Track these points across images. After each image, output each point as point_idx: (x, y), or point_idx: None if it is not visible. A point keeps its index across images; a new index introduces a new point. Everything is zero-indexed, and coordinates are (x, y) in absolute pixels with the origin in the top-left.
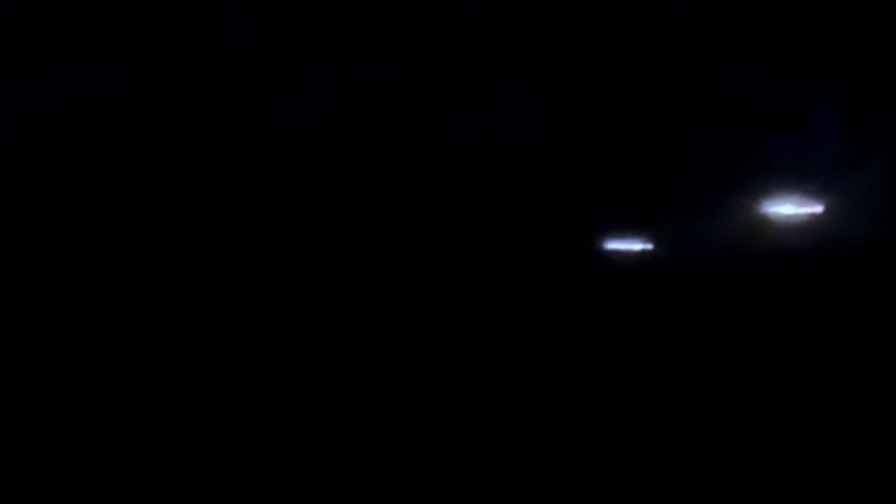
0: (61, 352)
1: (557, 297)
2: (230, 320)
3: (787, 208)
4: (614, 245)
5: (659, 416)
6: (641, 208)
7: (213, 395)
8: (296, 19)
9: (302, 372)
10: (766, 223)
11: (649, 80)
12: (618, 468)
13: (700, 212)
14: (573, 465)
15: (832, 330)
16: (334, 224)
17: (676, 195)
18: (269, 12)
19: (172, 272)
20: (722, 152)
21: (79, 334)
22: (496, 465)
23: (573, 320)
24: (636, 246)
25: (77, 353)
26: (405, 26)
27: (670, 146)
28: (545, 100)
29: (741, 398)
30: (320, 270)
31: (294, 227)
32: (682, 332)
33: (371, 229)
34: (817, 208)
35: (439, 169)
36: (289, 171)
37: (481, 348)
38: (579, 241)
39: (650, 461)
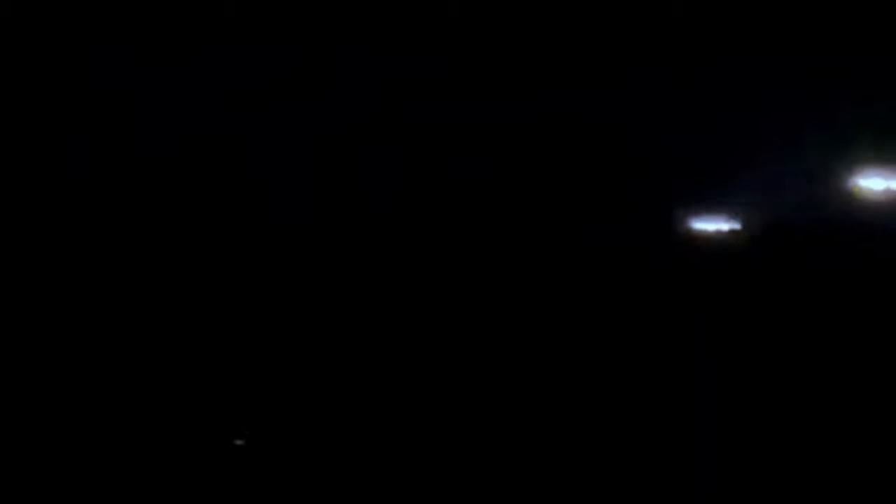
0: None
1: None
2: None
3: (877, 182)
4: (700, 224)
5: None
6: (728, 185)
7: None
8: None
9: (300, 370)
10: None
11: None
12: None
13: (789, 188)
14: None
15: None
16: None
17: (764, 171)
18: None
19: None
20: (814, 124)
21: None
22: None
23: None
24: (723, 225)
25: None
26: None
27: (759, 120)
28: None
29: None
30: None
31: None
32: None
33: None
34: None
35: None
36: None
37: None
38: (666, 220)
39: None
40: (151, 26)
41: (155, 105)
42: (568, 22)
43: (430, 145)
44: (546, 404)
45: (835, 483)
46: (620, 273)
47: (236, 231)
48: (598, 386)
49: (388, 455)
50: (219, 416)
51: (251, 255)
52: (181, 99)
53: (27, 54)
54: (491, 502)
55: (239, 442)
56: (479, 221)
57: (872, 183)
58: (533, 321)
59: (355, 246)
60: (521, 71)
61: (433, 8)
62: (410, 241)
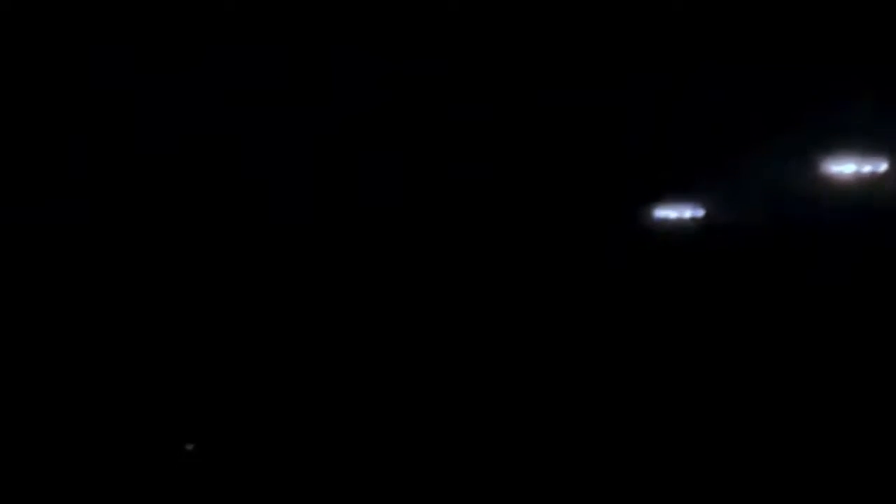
0: None
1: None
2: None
3: (849, 167)
4: (663, 213)
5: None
6: (692, 172)
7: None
8: None
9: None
10: (827, 182)
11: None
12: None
13: (755, 173)
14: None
15: None
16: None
17: (730, 156)
18: None
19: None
20: (781, 111)
21: None
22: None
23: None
24: (686, 213)
25: None
26: None
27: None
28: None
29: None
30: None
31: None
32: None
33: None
34: (881, 166)
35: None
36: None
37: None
38: (628, 208)
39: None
40: (151, 26)
41: (155, 105)
42: (568, 22)
43: (430, 145)
44: (549, 403)
45: (833, 483)
46: (621, 272)
47: (236, 231)
48: (599, 386)
49: (389, 455)
50: (218, 416)
51: (251, 255)
52: (181, 99)
53: (27, 54)
54: (492, 502)
55: (235, 443)
56: (479, 221)
57: (844, 167)
58: (534, 320)
59: (355, 246)
60: (521, 71)
61: (433, 8)
62: (410, 241)
